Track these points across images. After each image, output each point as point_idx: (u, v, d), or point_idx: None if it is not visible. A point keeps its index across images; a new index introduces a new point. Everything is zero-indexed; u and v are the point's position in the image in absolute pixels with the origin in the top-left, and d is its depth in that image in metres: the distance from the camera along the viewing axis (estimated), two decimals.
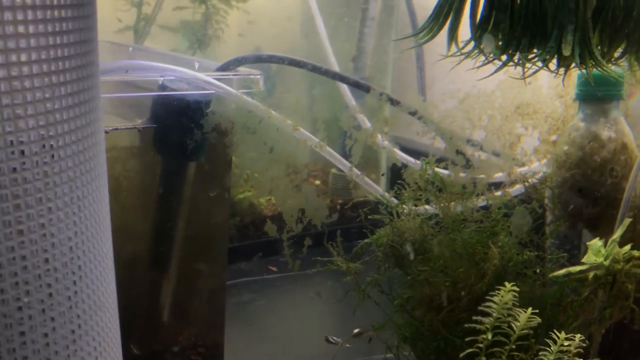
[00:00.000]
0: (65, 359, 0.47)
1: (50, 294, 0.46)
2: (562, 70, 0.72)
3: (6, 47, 0.42)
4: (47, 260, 0.46)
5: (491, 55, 0.72)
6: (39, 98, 0.44)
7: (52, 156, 0.46)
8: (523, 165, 0.90)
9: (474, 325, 0.63)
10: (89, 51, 0.50)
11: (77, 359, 0.49)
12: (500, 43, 0.71)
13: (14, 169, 0.43)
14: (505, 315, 0.62)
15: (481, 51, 0.73)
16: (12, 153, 0.43)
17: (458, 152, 0.88)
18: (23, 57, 0.43)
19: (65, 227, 0.47)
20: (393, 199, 0.86)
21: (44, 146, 0.45)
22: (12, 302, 0.44)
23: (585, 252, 0.76)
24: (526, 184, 0.84)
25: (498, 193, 0.85)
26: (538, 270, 0.77)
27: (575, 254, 0.86)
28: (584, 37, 0.65)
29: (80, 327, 0.49)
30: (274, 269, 1.39)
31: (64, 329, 0.47)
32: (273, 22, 1.54)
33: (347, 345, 1.04)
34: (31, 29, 0.43)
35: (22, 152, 0.43)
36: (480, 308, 0.64)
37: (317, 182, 1.63)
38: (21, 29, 0.43)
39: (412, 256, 0.81)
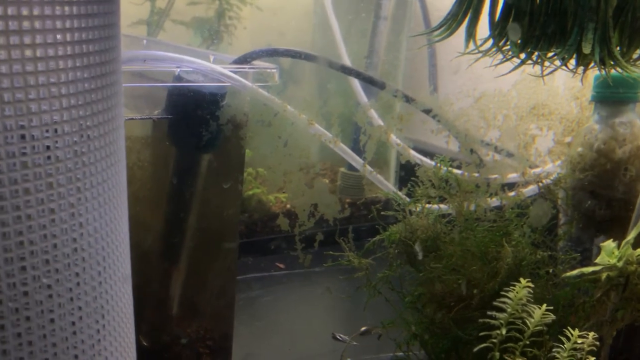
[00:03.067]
0: (81, 351, 0.48)
1: (58, 280, 0.46)
2: (580, 69, 0.71)
3: (33, 27, 0.42)
4: (66, 241, 0.46)
5: (509, 53, 0.72)
6: (63, 80, 0.44)
7: (74, 138, 0.46)
8: (537, 166, 0.89)
9: (487, 320, 0.63)
10: (111, 36, 0.50)
11: (94, 353, 0.49)
12: (519, 41, 0.71)
13: (47, 147, 0.43)
14: (520, 311, 0.62)
15: (499, 49, 0.73)
16: (21, 137, 0.43)
17: (472, 151, 0.88)
18: (49, 39, 0.43)
19: (85, 210, 0.47)
20: (404, 196, 0.86)
21: (56, 130, 0.45)
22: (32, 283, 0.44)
23: (598, 254, 0.76)
24: (540, 184, 0.84)
25: (512, 193, 0.85)
26: (551, 271, 0.77)
27: (587, 256, 0.86)
28: (605, 36, 0.65)
29: (97, 313, 0.49)
30: (282, 266, 1.39)
31: (80, 314, 0.47)
32: (286, 18, 1.54)
33: (354, 343, 1.04)
34: (57, 11, 0.43)
35: (55, 131, 0.43)
36: (494, 303, 0.63)
37: (326, 180, 1.63)
38: (47, 10, 0.43)
39: (420, 256, 0.81)
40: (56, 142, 0.44)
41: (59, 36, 0.44)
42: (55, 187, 0.44)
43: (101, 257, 0.49)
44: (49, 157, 0.44)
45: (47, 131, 0.43)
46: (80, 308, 0.47)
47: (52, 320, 0.45)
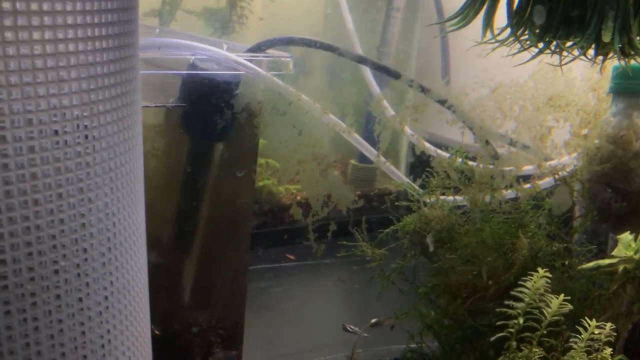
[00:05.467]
0: (98, 325, 0.47)
1: (86, 259, 0.46)
2: (599, 59, 0.71)
3: (54, 8, 0.41)
4: (84, 226, 0.46)
5: (527, 42, 0.71)
6: (82, 62, 0.44)
7: (92, 122, 0.46)
8: (552, 158, 0.89)
9: (505, 310, 0.62)
10: (130, 19, 0.50)
11: (108, 326, 0.49)
12: (537, 30, 0.70)
13: (56, 132, 0.43)
14: (537, 301, 0.62)
15: (517, 38, 0.73)
16: (54, 116, 0.42)
17: (487, 142, 0.87)
18: (69, 20, 0.43)
19: (103, 194, 0.47)
20: (417, 187, 0.86)
21: (64, 114, 0.44)
22: (50, 265, 0.44)
23: (614, 247, 0.75)
24: (556, 176, 0.83)
25: (527, 185, 0.84)
26: (566, 263, 0.77)
27: (603, 249, 0.85)
28: (625, 24, 0.64)
29: (112, 294, 0.49)
30: (292, 257, 1.39)
31: (98, 295, 0.47)
32: (298, 7, 1.54)
33: (365, 335, 1.03)
34: None
35: (64, 115, 0.43)
36: (512, 293, 0.63)
37: (336, 172, 1.62)
38: None
39: (431, 247, 0.80)
40: (65, 126, 0.43)
41: (78, 18, 0.43)
42: (63, 172, 0.44)
43: (118, 241, 0.49)
44: (57, 142, 0.43)
45: (55, 115, 0.43)
46: (88, 294, 0.47)
47: (59, 321, 0.45)
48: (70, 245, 0.45)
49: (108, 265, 0.48)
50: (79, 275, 0.46)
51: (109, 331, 0.49)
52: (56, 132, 0.43)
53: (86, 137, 0.45)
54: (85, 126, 0.45)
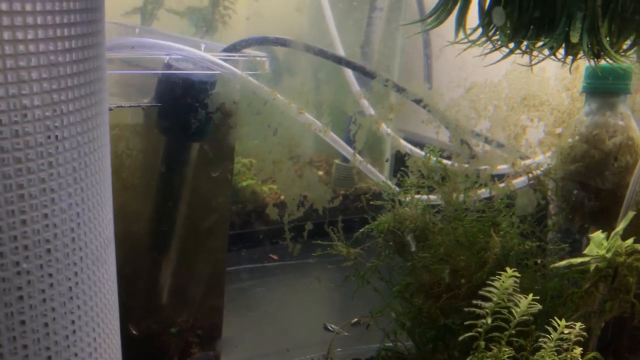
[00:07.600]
0: (64, 337, 0.47)
1: (50, 260, 0.46)
2: (569, 59, 0.71)
3: (11, 9, 0.41)
4: (47, 227, 0.46)
5: (499, 42, 0.72)
6: (43, 63, 0.44)
7: (55, 122, 0.46)
8: (527, 157, 0.89)
9: (474, 309, 0.63)
10: (95, 20, 0.50)
11: (76, 339, 0.49)
12: (508, 31, 0.70)
13: (16, 132, 0.43)
14: (506, 300, 0.62)
15: (488, 38, 0.73)
16: (15, 116, 0.42)
17: (462, 142, 0.88)
18: (29, 20, 0.42)
19: (67, 195, 0.47)
20: (395, 186, 0.86)
21: (25, 114, 0.44)
22: (11, 267, 0.44)
23: (587, 245, 0.76)
24: (530, 175, 0.84)
25: (501, 184, 0.85)
26: (539, 261, 0.77)
27: (576, 248, 0.86)
28: (593, 25, 0.64)
29: (79, 299, 0.49)
30: (275, 257, 1.39)
31: (63, 300, 0.47)
32: (280, 7, 1.54)
33: (346, 334, 1.04)
34: None
35: (25, 115, 0.43)
36: (480, 292, 0.63)
37: (320, 172, 1.63)
38: None
39: (413, 247, 0.81)
40: (26, 127, 0.43)
41: (39, 18, 0.43)
42: (25, 174, 0.43)
43: (84, 243, 0.49)
44: (18, 143, 0.43)
45: (15, 116, 0.42)
46: (57, 297, 0.47)
47: (22, 323, 0.45)
48: (33, 247, 0.45)
49: (73, 267, 0.48)
50: (42, 276, 0.46)
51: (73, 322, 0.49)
52: (16, 132, 0.43)
53: (49, 137, 0.45)
54: (48, 127, 0.45)
